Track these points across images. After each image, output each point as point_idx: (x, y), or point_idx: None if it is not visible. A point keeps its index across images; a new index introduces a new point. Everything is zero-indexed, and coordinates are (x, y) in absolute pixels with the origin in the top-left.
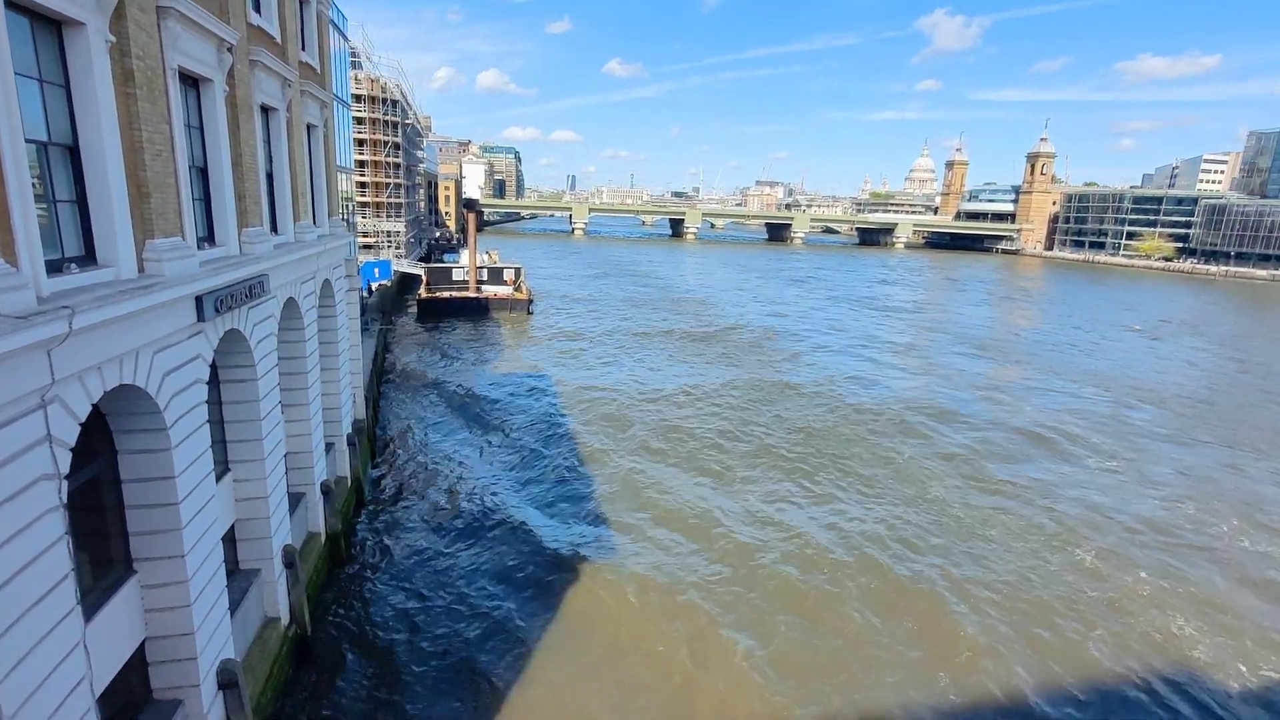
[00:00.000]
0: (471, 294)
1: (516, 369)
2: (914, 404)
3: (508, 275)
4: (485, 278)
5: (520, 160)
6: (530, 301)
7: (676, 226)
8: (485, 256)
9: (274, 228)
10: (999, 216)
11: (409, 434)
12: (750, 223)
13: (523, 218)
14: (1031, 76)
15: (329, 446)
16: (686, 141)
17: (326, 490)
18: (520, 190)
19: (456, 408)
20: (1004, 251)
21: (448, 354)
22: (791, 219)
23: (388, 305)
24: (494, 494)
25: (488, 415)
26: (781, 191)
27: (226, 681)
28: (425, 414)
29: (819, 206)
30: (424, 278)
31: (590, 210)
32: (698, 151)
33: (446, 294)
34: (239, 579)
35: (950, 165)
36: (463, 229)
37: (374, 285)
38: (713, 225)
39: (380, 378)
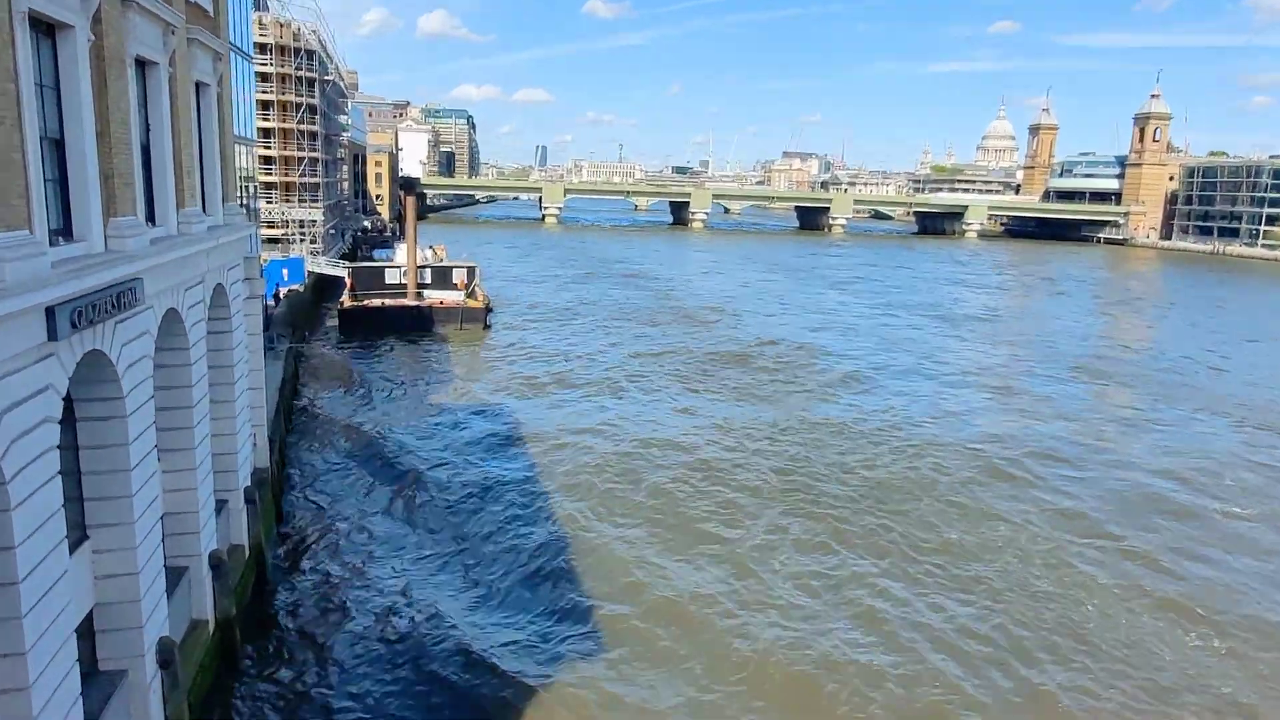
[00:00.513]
0: (410, 302)
1: (468, 404)
2: (1009, 446)
3: (458, 277)
4: (428, 280)
5: (474, 127)
6: (488, 312)
7: (679, 212)
8: (428, 253)
9: (151, 217)
10: (1099, 196)
11: (326, 490)
12: (775, 206)
13: (478, 201)
14: (1138, 16)
15: (220, 506)
16: (690, 102)
17: (217, 563)
18: (474, 166)
19: (388, 459)
20: (1107, 241)
21: (378, 383)
22: (829, 201)
23: (300, 318)
24: (433, 591)
25: (428, 469)
26: (816, 166)
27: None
28: (348, 465)
29: (865, 185)
30: (348, 281)
31: (566, 191)
32: (705, 115)
33: (377, 302)
34: (98, 684)
35: (1035, 131)
36: (399, 217)
37: (282, 291)
38: (727, 210)
39: (289, 414)
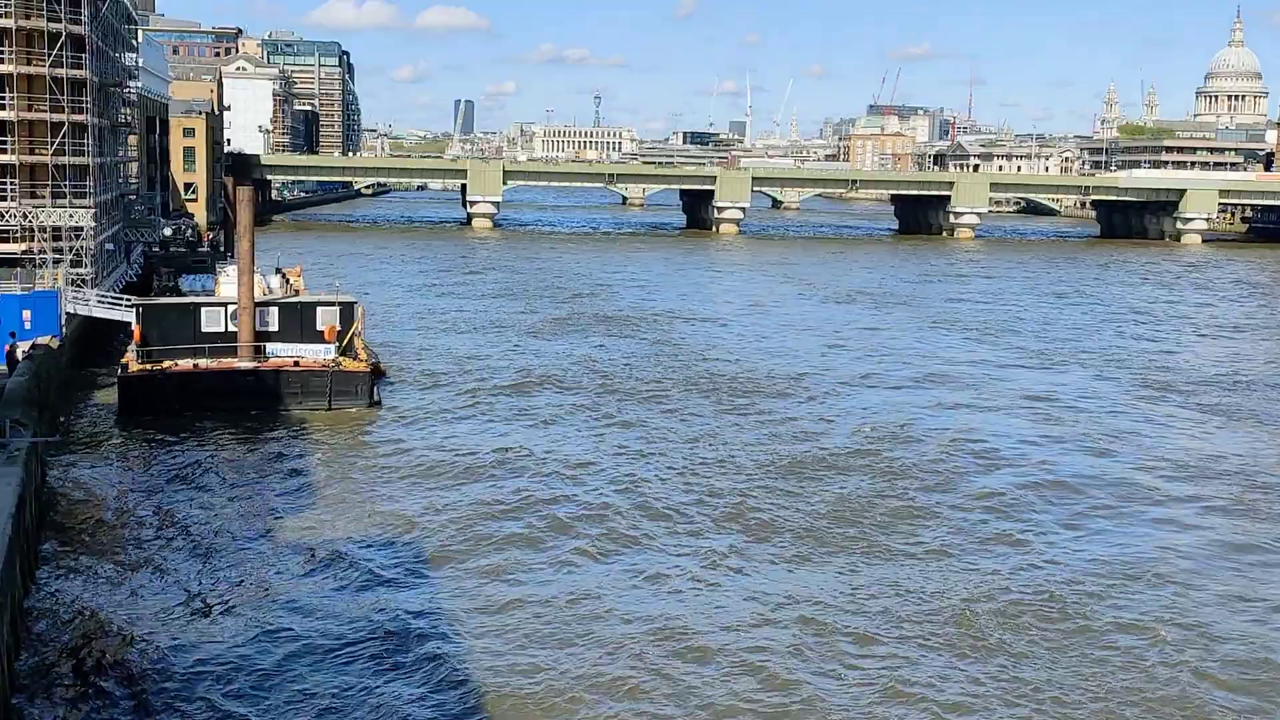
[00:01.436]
0: (242, 363)
1: (336, 587)
2: None
3: (324, 321)
4: (273, 327)
5: (352, 72)
6: (375, 380)
7: (697, 207)
8: (274, 281)
9: None
10: None
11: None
12: (858, 196)
13: (360, 193)
14: None
15: None
16: (712, 27)
17: None
18: (353, 137)
19: (194, 683)
20: None
21: (182, 515)
22: (949, 185)
23: (52, 392)
24: None
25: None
26: (925, 128)
27: None
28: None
29: (1008, 159)
30: (135, 329)
31: (508, 176)
32: (737, 49)
33: (186, 364)
34: None
35: None
36: (225, 220)
37: (22, 347)
38: (777, 203)
39: (29, 571)
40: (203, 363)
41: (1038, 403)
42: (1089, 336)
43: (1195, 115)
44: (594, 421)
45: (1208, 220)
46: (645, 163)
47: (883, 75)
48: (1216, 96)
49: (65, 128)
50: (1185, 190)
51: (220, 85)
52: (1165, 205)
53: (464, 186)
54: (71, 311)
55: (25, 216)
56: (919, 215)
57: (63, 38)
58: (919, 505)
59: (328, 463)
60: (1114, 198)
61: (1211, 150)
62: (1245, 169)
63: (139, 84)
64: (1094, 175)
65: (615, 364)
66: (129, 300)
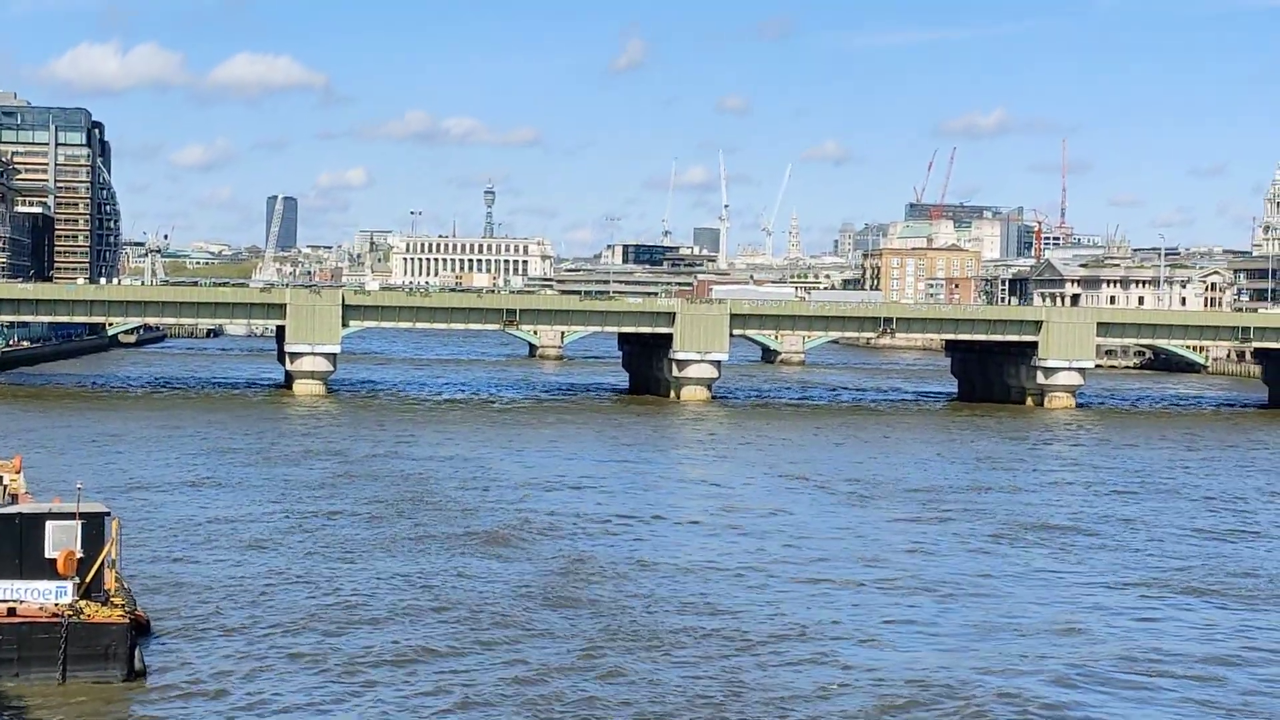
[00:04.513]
0: None
1: None
2: None
3: (57, 544)
4: None
5: (108, 155)
6: (137, 636)
7: (647, 360)
8: None
9: None
10: None
11: None
12: (894, 343)
13: (118, 340)
14: None
15: None
16: (666, 83)
17: None
18: (107, 255)
19: None
20: None
21: None
22: (1035, 325)
23: None
24: None
25: None
26: (996, 237)
27: None
28: None
29: (1121, 282)
30: None
31: (350, 314)
32: (706, 118)
33: None
34: None
35: None
36: None
37: None
38: (769, 352)
39: None
40: None
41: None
42: None
43: None
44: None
45: None
46: (565, 292)
47: (930, 158)
48: None
49: None
50: None
51: None
52: None
53: (281, 330)
54: None
55: None
56: (989, 372)
57: None
58: None
59: None
60: None
61: None
62: None
63: None
64: (1257, 311)
65: (491, 608)
66: None
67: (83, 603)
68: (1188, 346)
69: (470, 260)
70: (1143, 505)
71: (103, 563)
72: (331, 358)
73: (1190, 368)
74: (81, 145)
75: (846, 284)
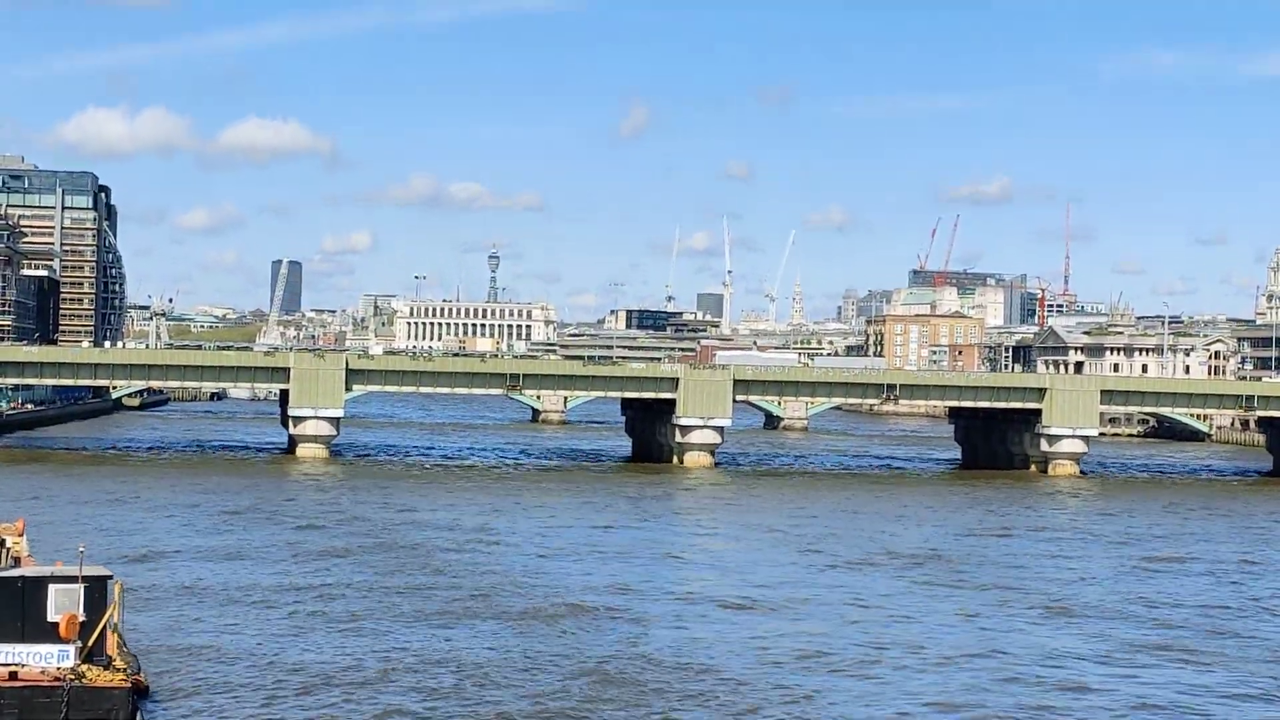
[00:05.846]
0: None
1: None
2: None
3: (60, 607)
4: None
5: (114, 219)
6: (136, 700)
7: (650, 426)
8: None
9: None
10: None
11: None
12: (897, 409)
13: (121, 403)
14: None
15: None
16: (671, 150)
17: None
18: (111, 317)
19: None
20: None
21: None
22: (1039, 392)
23: None
24: None
25: None
26: (1000, 304)
27: None
28: None
29: (1125, 350)
30: None
31: (354, 378)
32: (710, 185)
33: None
34: None
35: None
36: None
37: None
38: (772, 418)
39: None
40: None
41: None
42: None
43: None
44: None
45: None
46: (568, 357)
47: (933, 224)
48: None
49: None
50: None
51: None
52: None
53: (284, 394)
54: None
55: None
56: (993, 439)
57: None
58: None
59: None
60: None
61: None
62: None
63: None
64: (1261, 379)
65: (494, 681)
66: None
67: (85, 667)
68: (1192, 415)
69: (474, 325)
70: (1158, 581)
71: (105, 626)
72: (335, 422)
73: (1194, 436)
74: (88, 209)
75: (850, 350)
